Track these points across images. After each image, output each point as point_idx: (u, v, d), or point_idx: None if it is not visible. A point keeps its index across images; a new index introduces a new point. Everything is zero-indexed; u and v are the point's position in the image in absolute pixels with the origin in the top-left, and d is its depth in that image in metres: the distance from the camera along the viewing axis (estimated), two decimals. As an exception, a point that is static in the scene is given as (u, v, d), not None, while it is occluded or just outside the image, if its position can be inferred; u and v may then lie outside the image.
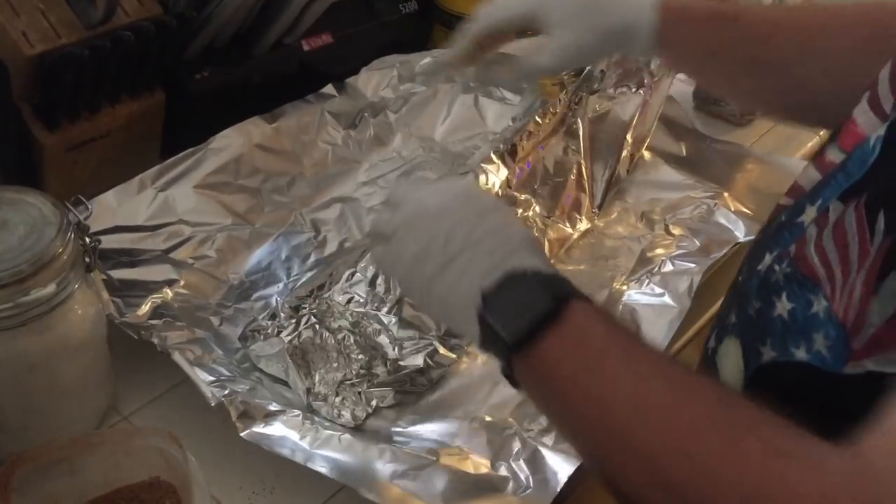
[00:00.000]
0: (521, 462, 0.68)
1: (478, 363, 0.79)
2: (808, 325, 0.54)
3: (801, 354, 0.54)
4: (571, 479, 0.67)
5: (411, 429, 0.74)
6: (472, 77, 0.78)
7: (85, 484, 0.65)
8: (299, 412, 0.70)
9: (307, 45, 1.01)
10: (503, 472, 0.68)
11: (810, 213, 0.58)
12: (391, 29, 1.10)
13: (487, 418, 0.74)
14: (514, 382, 0.56)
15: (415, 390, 0.76)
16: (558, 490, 0.66)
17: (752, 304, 0.60)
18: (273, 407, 0.70)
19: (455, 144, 1.03)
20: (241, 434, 0.67)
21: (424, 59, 1.07)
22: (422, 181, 0.92)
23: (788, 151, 1.04)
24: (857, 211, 0.53)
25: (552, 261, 0.89)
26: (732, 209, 0.97)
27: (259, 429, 0.68)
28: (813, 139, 1.12)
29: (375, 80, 1.04)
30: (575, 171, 0.92)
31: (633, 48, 0.75)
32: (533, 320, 0.51)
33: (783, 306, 0.56)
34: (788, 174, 1.03)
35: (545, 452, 0.69)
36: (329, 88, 1.01)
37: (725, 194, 0.99)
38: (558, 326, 0.51)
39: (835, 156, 0.58)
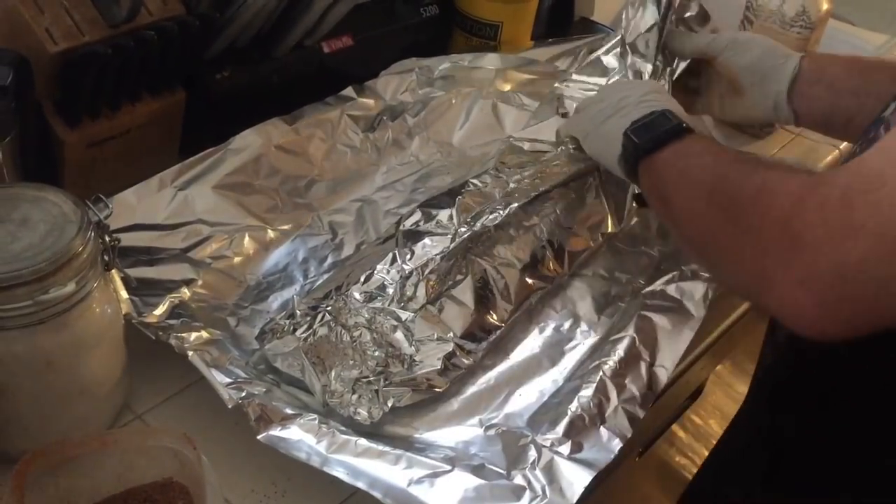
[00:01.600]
0: (537, 471, 0.68)
1: (494, 372, 0.79)
2: None
3: None
4: (587, 489, 0.67)
5: (427, 435, 0.73)
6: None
7: (98, 483, 0.65)
8: (316, 416, 0.69)
9: (328, 46, 1.01)
10: (519, 480, 0.67)
11: None
12: (412, 32, 1.11)
13: (503, 427, 0.74)
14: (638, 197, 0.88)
15: (431, 392, 0.76)
16: (575, 500, 0.66)
17: None
18: (290, 410, 0.69)
19: (473, 150, 1.03)
20: (259, 437, 0.67)
21: (443, 64, 1.07)
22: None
23: (808, 163, 1.04)
24: None
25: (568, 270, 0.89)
26: (751, 221, 0.96)
27: (276, 432, 0.67)
28: (833, 152, 1.11)
29: (395, 84, 1.04)
30: (593, 193, 0.90)
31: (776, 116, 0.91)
32: (660, 134, 0.73)
33: None
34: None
35: (561, 462, 0.68)
36: (349, 91, 1.01)
37: (744, 205, 0.98)
38: (675, 143, 0.72)
39: None
